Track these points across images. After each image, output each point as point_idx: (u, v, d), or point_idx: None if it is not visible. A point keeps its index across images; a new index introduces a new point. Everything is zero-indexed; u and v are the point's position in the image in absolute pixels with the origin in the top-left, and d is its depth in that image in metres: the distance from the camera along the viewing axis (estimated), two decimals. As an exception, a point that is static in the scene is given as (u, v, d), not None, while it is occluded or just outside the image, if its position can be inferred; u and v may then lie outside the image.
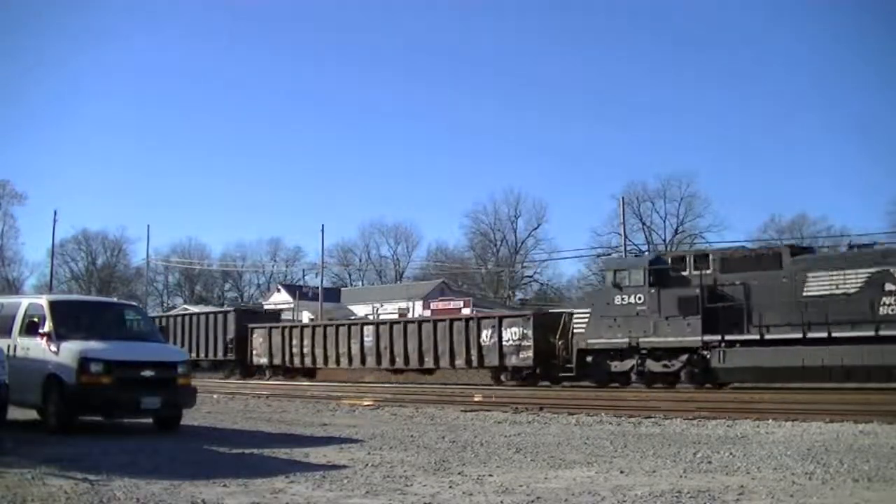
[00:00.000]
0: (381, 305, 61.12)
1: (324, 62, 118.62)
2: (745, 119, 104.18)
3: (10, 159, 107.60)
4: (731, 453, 9.19)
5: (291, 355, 34.20)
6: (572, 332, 24.84)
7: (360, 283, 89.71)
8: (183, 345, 36.94)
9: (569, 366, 24.78)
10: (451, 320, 29.83)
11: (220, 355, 36.81)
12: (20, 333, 11.96)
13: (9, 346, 11.50)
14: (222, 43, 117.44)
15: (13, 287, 69.08)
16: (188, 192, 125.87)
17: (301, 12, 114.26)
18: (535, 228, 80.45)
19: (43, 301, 12.28)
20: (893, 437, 10.41)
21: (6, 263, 77.88)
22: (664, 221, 74.22)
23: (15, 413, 11.27)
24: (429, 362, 29.38)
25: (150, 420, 12.23)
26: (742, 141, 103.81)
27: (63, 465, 8.05)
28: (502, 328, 27.10)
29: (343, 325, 34.34)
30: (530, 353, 26.33)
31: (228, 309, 39.92)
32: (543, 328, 26.28)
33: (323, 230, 56.91)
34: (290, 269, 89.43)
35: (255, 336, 35.59)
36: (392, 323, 32.29)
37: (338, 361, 32.49)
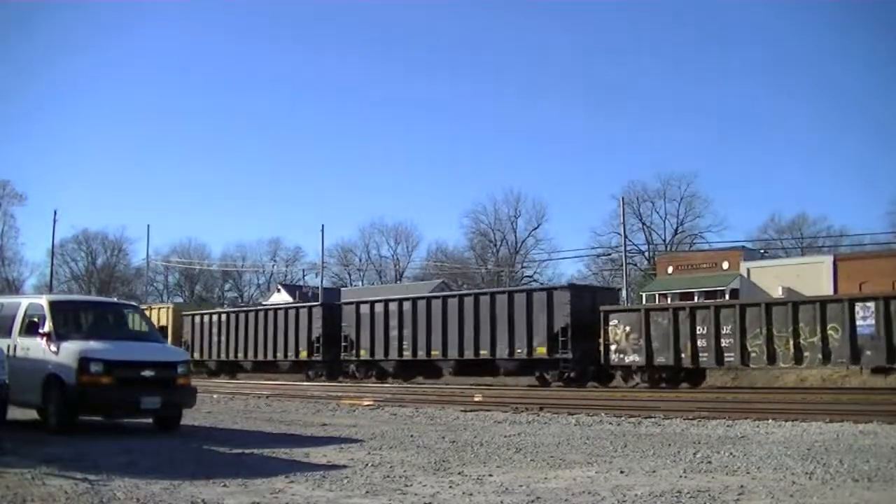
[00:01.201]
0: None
1: (323, 61, 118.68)
2: (745, 118, 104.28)
3: (9, 159, 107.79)
4: (731, 453, 9.19)
5: (696, 350, 23.61)
6: None
7: (360, 283, 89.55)
8: (480, 335, 28.46)
9: None
10: None
11: (531, 352, 27.28)
12: (20, 333, 11.96)
13: (9, 346, 11.50)
14: (222, 42, 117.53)
15: (13, 287, 69.18)
16: (188, 191, 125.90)
17: (301, 12, 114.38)
18: (535, 228, 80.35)
19: (43, 301, 12.27)
20: (893, 437, 10.42)
21: (6, 263, 77.97)
22: (664, 221, 74.20)
23: (15, 413, 11.29)
24: None
25: (150, 420, 12.24)
26: (742, 141, 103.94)
27: (63, 465, 8.06)
28: None
29: (810, 302, 22.54)
30: None
31: (557, 285, 29.99)
32: None
33: (323, 230, 56.86)
34: (290, 269, 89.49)
35: (612, 323, 25.82)
36: None
37: (798, 358, 21.70)
